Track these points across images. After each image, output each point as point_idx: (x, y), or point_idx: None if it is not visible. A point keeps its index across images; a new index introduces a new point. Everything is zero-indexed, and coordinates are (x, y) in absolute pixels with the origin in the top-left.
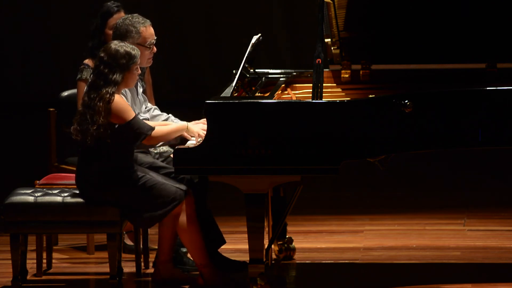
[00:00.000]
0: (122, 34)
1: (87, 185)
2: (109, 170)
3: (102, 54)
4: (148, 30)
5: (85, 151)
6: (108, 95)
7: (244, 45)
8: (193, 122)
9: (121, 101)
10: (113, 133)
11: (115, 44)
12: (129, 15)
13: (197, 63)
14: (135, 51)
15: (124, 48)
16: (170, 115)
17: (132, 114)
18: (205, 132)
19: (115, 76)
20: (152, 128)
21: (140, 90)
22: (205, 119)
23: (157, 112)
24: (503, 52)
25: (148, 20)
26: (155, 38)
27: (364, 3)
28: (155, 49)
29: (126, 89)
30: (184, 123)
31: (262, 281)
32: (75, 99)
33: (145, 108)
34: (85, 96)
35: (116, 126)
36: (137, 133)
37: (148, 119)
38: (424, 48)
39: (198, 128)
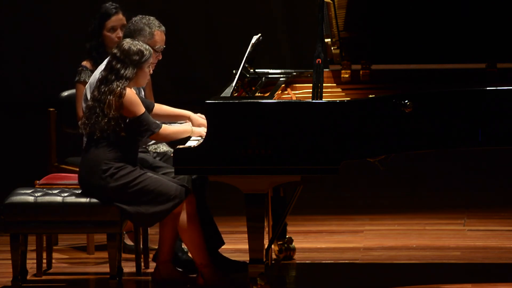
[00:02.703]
0: (136, 30)
1: (89, 182)
2: (112, 167)
3: (115, 51)
4: (161, 36)
5: (89, 146)
6: (119, 89)
7: (244, 45)
8: (198, 114)
9: (132, 94)
10: (125, 126)
11: (128, 42)
12: (148, 16)
13: (197, 63)
14: (148, 50)
15: (138, 46)
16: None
17: (142, 109)
18: None
19: (127, 71)
20: (160, 126)
21: (142, 93)
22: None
23: None
24: (503, 52)
25: (163, 27)
26: (164, 46)
27: (364, 3)
28: (160, 56)
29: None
30: (189, 126)
31: (262, 281)
32: (75, 99)
33: None
34: (94, 91)
35: (127, 120)
36: (145, 129)
37: None
38: (424, 48)
39: (203, 130)
